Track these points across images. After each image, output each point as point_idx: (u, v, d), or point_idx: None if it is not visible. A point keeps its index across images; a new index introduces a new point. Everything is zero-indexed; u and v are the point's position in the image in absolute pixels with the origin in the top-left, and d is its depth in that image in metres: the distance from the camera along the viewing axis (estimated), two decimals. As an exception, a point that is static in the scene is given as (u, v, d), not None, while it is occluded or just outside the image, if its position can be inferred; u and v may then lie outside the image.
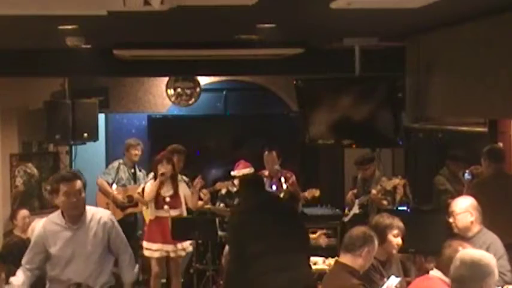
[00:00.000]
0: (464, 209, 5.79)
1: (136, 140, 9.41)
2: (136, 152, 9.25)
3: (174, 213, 8.00)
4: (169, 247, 7.98)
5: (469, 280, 3.75)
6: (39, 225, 6.67)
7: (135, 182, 9.24)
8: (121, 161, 9.32)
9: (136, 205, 9.12)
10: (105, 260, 5.42)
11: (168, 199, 8.00)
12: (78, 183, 5.24)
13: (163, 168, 7.90)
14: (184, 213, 8.18)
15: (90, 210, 5.43)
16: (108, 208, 9.11)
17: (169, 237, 7.88)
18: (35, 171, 9.51)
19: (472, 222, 5.78)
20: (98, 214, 5.45)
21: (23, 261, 5.42)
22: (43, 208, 9.42)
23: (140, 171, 9.38)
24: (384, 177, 8.10)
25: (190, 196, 8.19)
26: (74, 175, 5.36)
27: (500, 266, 5.65)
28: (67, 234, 5.31)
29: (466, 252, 3.91)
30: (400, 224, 5.28)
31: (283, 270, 5.72)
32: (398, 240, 5.27)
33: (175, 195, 8.06)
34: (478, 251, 4.11)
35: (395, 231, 5.25)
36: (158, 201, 7.99)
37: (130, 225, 9.15)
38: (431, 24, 6.25)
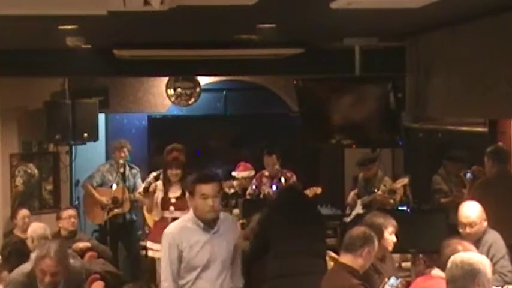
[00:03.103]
0: (480, 218, 5.78)
1: (122, 142, 9.32)
2: (122, 154, 9.20)
3: (180, 215, 7.96)
4: None
5: (461, 279, 3.77)
6: (43, 226, 6.69)
7: (124, 182, 9.22)
8: (107, 165, 9.30)
9: (121, 206, 9.09)
10: (234, 264, 5.13)
11: (173, 200, 7.96)
12: (216, 185, 4.92)
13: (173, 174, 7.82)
14: None
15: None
16: (94, 211, 9.13)
17: None
18: (35, 171, 9.50)
19: (485, 228, 5.81)
20: (226, 217, 5.22)
21: (167, 282, 4.96)
22: (43, 208, 9.43)
23: (132, 169, 9.35)
24: (386, 177, 8.09)
25: None
26: (211, 176, 5.02)
27: (502, 266, 5.66)
28: (204, 239, 4.98)
29: (458, 254, 3.96)
30: (394, 222, 5.34)
31: (309, 273, 5.72)
32: (393, 238, 5.33)
33: (182, 197, 8.01)
34: (469, 253, 4.14)
35: (391, 229, 5.31)
36: (164, 202, 7.96)
37: (120, 227, 9.13)
38: (431, 24, 6.24)
